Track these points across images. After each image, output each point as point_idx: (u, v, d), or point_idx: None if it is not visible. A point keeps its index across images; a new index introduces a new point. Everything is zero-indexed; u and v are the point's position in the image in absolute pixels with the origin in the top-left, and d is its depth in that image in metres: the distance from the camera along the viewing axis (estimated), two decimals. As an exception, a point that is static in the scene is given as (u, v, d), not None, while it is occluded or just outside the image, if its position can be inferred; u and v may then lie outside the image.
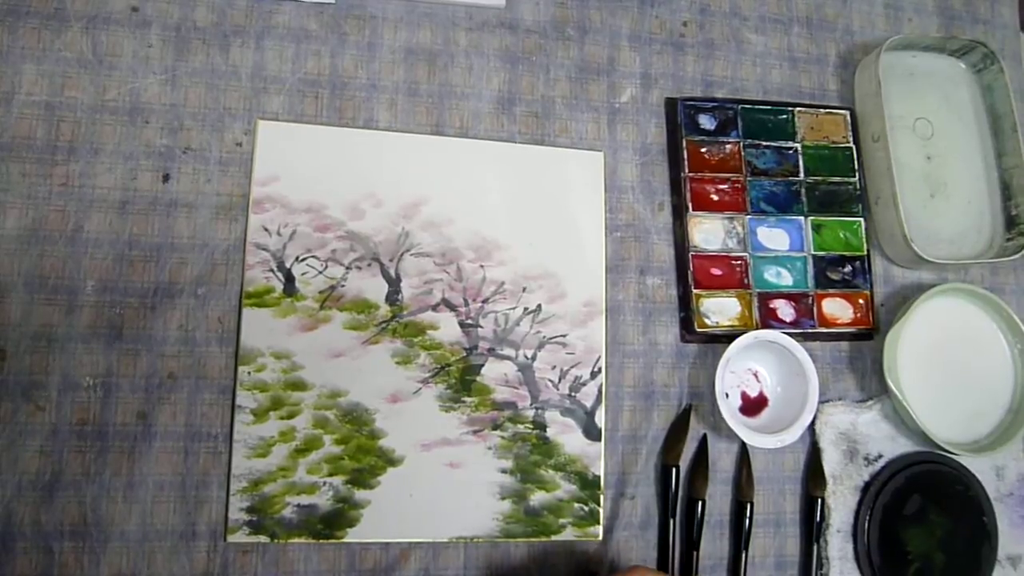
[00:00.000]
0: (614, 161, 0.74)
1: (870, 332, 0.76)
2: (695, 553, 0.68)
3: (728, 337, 0.70)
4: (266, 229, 0.65)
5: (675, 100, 0.76)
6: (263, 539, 0.61)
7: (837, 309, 0.76)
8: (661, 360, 0.72)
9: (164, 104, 0.66)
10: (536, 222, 0.71)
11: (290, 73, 0.68)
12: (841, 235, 0.77)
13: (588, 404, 0.69)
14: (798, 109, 0.79)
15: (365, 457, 0.64)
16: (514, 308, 0.69)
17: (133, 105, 0.65)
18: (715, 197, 0.75)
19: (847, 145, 0.79)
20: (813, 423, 0.72)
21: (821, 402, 0.72)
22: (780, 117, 0.78)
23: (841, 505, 0.72)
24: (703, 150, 0.76)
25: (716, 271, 0.74)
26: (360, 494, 0.63)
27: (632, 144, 0.75)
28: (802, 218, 0.77)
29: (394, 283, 0.67)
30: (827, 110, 0.80)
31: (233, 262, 0.65)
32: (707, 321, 0.72)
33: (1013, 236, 0.79)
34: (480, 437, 0.66)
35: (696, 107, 0.77)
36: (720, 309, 0.73)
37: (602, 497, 0.68)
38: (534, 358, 0.69)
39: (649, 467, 0.70)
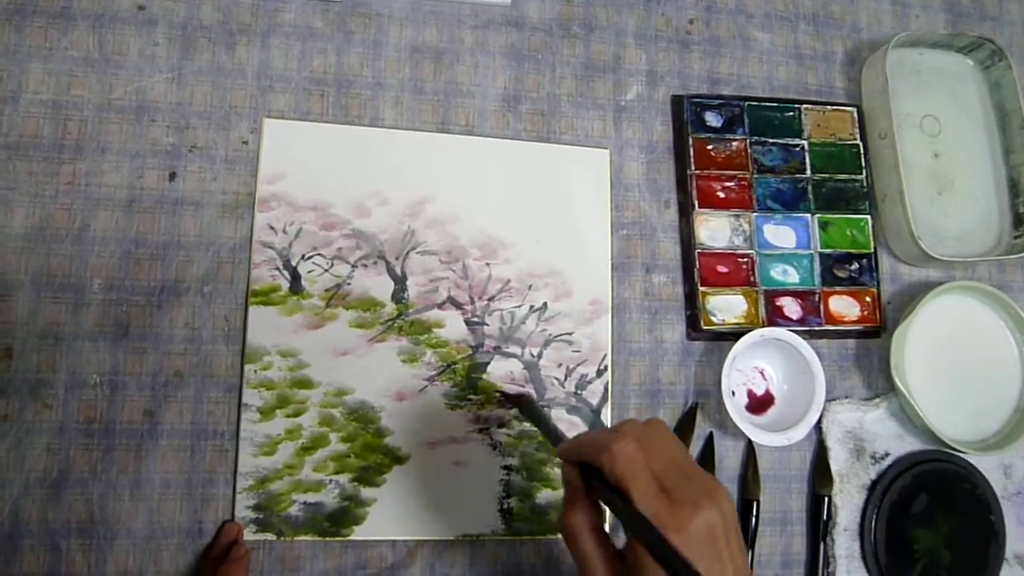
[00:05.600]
0: (620, 159, 0.74)
1: (877, 330, 0.76)
2: (701, 551, 0.68)
3: (734, 335, 0.70)
4: (272, 227, 0.65)
5: (681, 97, 0.76)
6: (269, 537, 0.61)
7: (844, 307, 0.75)
8: (667, 358, 0.72)
9: (170, 102, 0.66)
10: (542, 220, 0.71)
11: (296, 71, 0.68)
12: (848, 232, 0.77)
13: (594, 402, 0.69)
14: (805, 106, 0.79)
15: (371, 455, 0.64)
16: (520, 306, 0.69)
17: (139, 103, 0.65)
18: (721, 194, 0.75)
19: (854, 142, 0.79)
20: (820, 421, 0.72)
21: (828, 400, 0.72)
22: (787, 114, 0.78)
23: (848, 503, 0.72)
24: (709, 147, 0.76)
25: (722, 269, 0.73)
26: (366, 492, 0.64)
27: (638, 142, 0.75)
28: (809, 215, 0.76)
29: (400, 281, 0.67)
30: (834, 107, 0.80)
31: (239, 260, 0.65)
32: (713, 319, 0.72)
33: (1021, 233, 0.78)
34: (486, 435, 0.66)
35: (702, 104, 0.76)
36: (726, 307, 0.73)
37: (608, 495, 0.68)
38: (540, 356, 0.69)
39: (655, 465, 0.70)
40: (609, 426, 0.69)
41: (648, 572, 0.40)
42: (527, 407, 0.63)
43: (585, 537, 0.43)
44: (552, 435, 0.54)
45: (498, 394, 0.66)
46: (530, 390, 0.68)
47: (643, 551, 0.39)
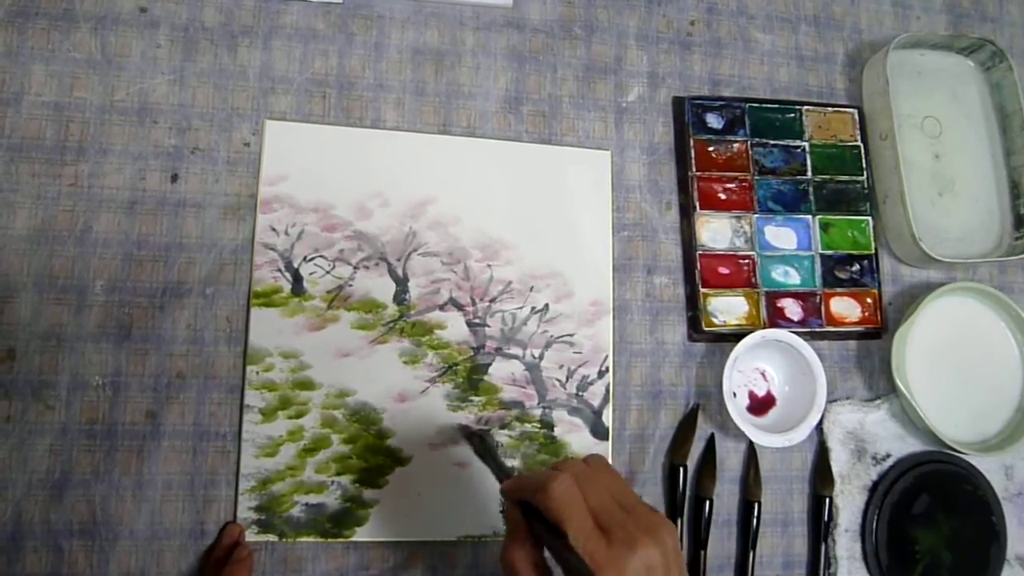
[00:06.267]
0: (621, 160, 0.74)
1: (878, 331, 0.76)
2: (703, 552, 0.68)
3: (736, 336, 0.70)
4: (274, 229, 0.65)
5: (682, 99, 0.76)
6: (271, 538, 0.61)
7: (845, 308, 0.75)
8: (668, 359, 0.72)
9: (172, 104, 0.66)
10: (543, 221, 0.71)
11: (298, 73, 0.69)
12: (849, 234, 0.77)
13: (595, 403, 0.69)
14: (806, 108, 0.79)
15: (373, 456, 0.64)
16: (521, 307, 0.69)
17: (141, 105, 0.65)
18: (722, 196, 0.75)
19: (855, 144, 0.79)
20: (821, 422, 0.72)
21: (829, 401, 0.72)
22: (788, 116, 0.78)
23: (849, 504, 0.72)
24: (710, 149, 0.76)
25: (723, 270, 0.73)
26: (368, 493, 0.64)
27: (639, 143, 0.75)
28: (810, 217, 0.77)
29: (401, 283, 0.67)
30: (835, 109, 0.80)
31: (241, 262, 0.65)
32: (714, 320, 0.72)
33: (1022, 234, 0.78)
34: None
35: (703, 106, 0.76)
36: (727, 308, 0.73)
37: (609, 496, 0.68)
38: (541, 357, 0.69)
39: (656, 466, 0.70)
40: (608, 427, 0.69)
41: None
42: (479, 442, 0.65)
43: (525, 573, 0.44)
44: (499, 472, 0.55)
45: (464, 438, 0.67)
46: (532, 391, 0.68)
47: None
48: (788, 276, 0.75)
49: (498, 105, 0.72)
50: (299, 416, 0.63)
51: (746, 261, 0.74)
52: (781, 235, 0.76)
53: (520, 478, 0.47)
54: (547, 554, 0.45)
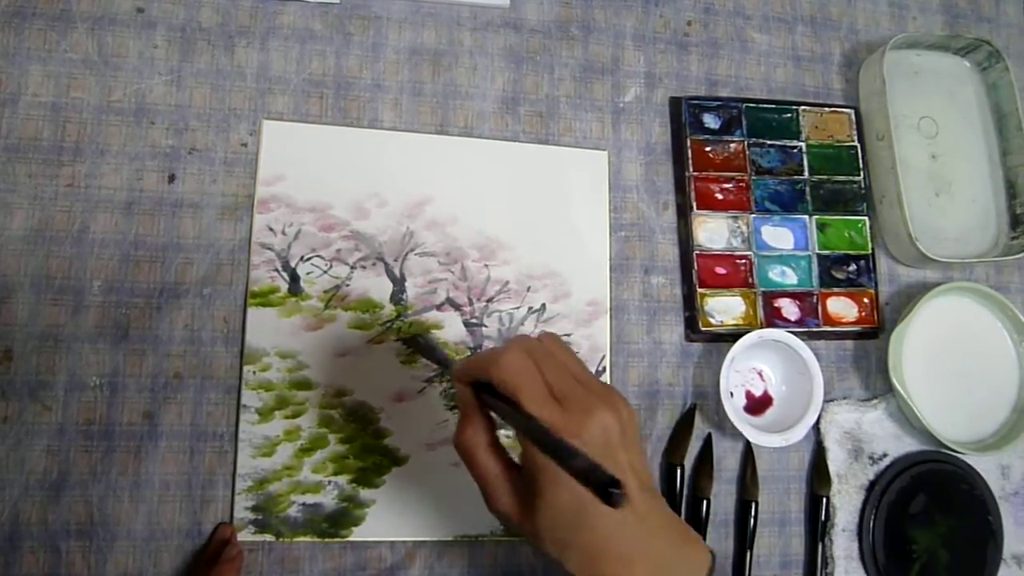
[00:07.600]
0: (618, 160, 0.74)
1: (875, 331, 0.76)
2: (700, 552, 0.68)
3: (733, 336, 0.70)
4: (271, 229, 0.65)
5: (679, 99, 0.76)
6: (268, 538, 0.61)
7: (842, 308, 0.76)
8: (666, 359, 0.72)
9: (169, 105, 0.66)
10: (540, 221, 0.71)
11: (295, 73, 0.69)
12: (846, 234, 0.77)
13: (593, 403, 0.69)
14: (802, 108, 0.79)
15: (370, 456, 0.64)
16: (518, 307, 0.69)
17: (139, 106, 0.65)
18: (719, 196, 0.75)
19: (852, 144, 0.79)
20: (818, 422, 0.72)
21: (826, 401, 0.72)
22: (784, 116, 0.78)
23: (846, 504, 0.72)
24: (707, 149, 0.76)
25: (720, 270, 0.74)
26: (365, 493, 0.64)
27: (636, 143, 0.75)
28: (807, 217, 0.77)
29: (399, 282, 0.67)
30: (831, 109, 0.80)
31: (238, 262, 0.65)
32: (712, 320, 0.72)
33: (1018, 234, 0.79)
34: (485, 436, 0.67)
35: (700, 106, 0.77)
36: (725, 308, 0.73)
37: (607, 496, 0.68)
38: (539, 357, 0.69)
39: (654, 466, 0.70)
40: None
41: (544, 475, 0.40)
42: (415, 341, 0.65)
43: (481, 452, 0.44)
44: (444, 362, 0.56)
45: (397, 341, 0.66)
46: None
47: (538, 455, 0.39)
48: (785, 276, 0.75)
49: (495, 105, 0.72)
50: (296, 416, 0.63)
51: (743, 261, 0.74)
52: (778, 235, 0.76)
53: (470, 359, 0.47)
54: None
